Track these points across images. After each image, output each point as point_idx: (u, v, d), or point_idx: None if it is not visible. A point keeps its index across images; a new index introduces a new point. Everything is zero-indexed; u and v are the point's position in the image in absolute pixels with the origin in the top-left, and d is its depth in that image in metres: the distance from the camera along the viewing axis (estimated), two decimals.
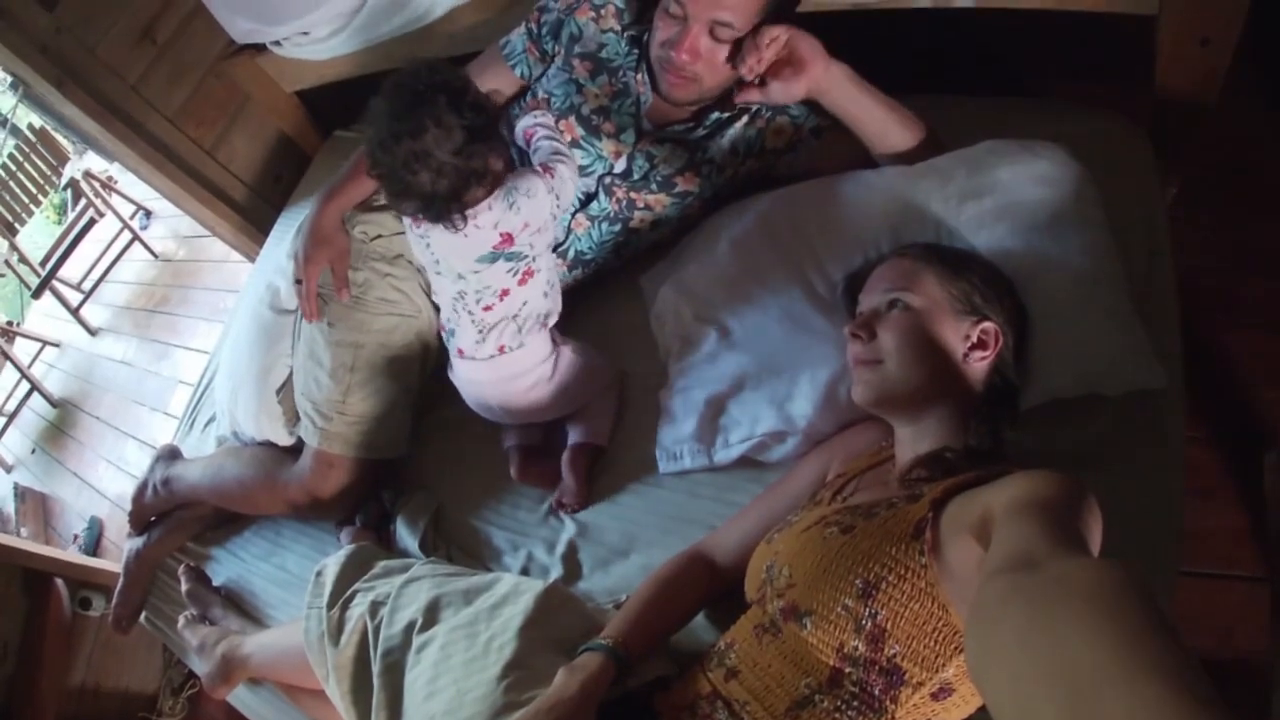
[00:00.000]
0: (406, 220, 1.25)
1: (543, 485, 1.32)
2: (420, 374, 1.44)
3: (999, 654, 0.47)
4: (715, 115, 1.33)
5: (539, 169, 1.19)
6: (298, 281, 1.38)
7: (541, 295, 1.26)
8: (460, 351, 1.29)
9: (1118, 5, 1.23)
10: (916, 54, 1.44)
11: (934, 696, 0.73)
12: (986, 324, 0.92)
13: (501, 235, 1.16)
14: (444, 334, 1.35)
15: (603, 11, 1.33)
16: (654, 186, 1.35)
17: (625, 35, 1.33)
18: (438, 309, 1.37)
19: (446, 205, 1.11)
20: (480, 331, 1.25)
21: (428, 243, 1.21)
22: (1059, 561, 0.52)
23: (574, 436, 1.31)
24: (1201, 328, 1.48)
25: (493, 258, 1.18)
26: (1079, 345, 0.99)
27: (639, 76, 1.32)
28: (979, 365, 0.92)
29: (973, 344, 0.92)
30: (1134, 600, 0.44)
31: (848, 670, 0.74)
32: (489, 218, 1.15)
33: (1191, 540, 1.29)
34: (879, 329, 0.95)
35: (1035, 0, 1.26)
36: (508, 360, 1.26)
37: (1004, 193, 1.10)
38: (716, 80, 1.25)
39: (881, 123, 1.21)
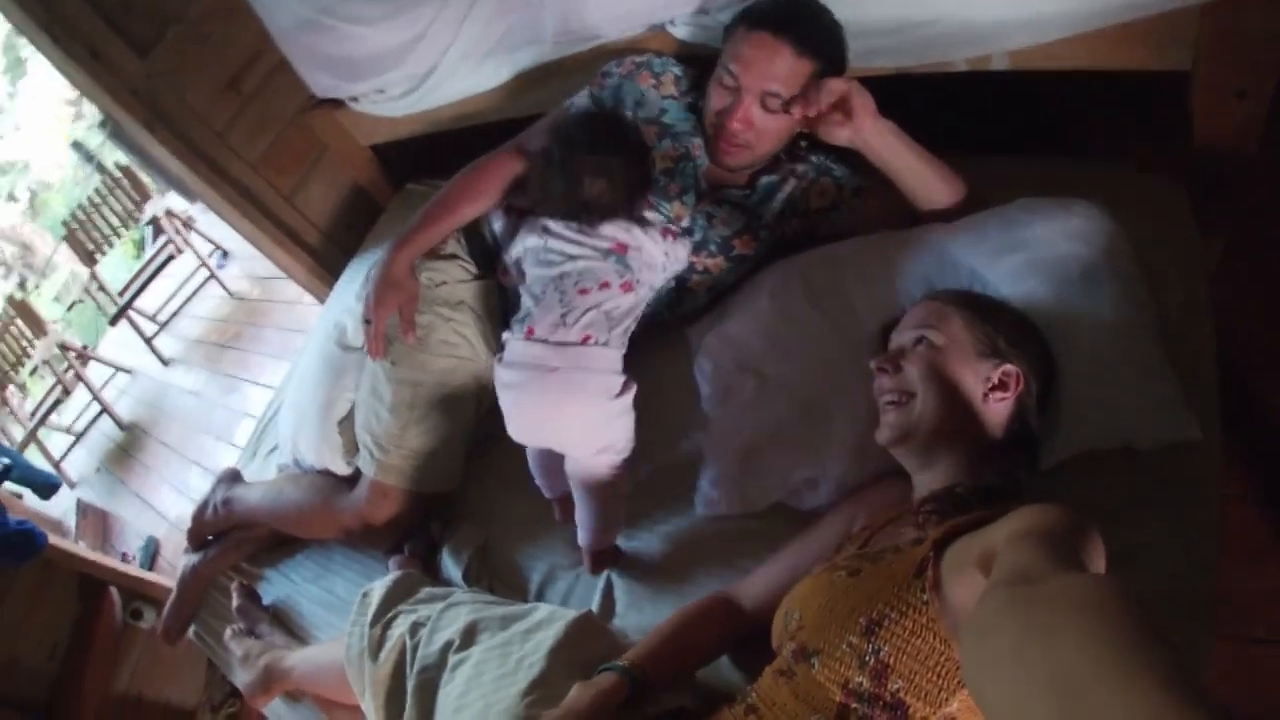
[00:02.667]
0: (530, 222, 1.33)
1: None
2: (475, 415, 1.50)
3: (995, 663, 0.48)
4: (766, 179, 1.40)
5: (664, 229, 1.32)
6: (366, 321, 1.45)
7: (629, 310, 1.27)
8: (530, 331, 1.22)
9: (1151, 62, 1.24)
10: (956, 115, 1.47)
11: None
12: (1008, 366, 0.94)
13: (615, 243, 1.26)
14: (511, 326, 1.29)
15: (662, 79, 1.43)
16: (712, 248, 1.40)
17: (685, 102, 1.42)
18: (501, 347, 1.30)
19: (589, 213, 1.25)
20: (565, 313, 1.21)
21: (547, 239, 1.28)
22: (1056, 576, 0.52)
23: (583, 539, 1.27)
24: (1247, 384, 1.44)
25: (605, 253, 1.26)
26: (1111, 397, 1.00)
27: (697, 141, 1.39)
28: (999, 407, 0.94)
29: (993, 385, 0.94)
30: (1129, 610, 0.45)
31: (854, 706, 0.76)
32: (608, 230, 1.26)
33: (1238, 604, 1.25)
34: (903, 363, 0.99)
35: (1069, 60, 1.28)
36: (588, 352, 1.20)
37: (1037, 248, 1.13)
38: (767, 147, 1.33)
39: (923, 178, 1.25)
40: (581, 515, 1.26)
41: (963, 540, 0.73)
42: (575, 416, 1.21)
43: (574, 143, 1.27)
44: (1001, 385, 0.94)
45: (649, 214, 1.35)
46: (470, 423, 1.50)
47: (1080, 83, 1.34)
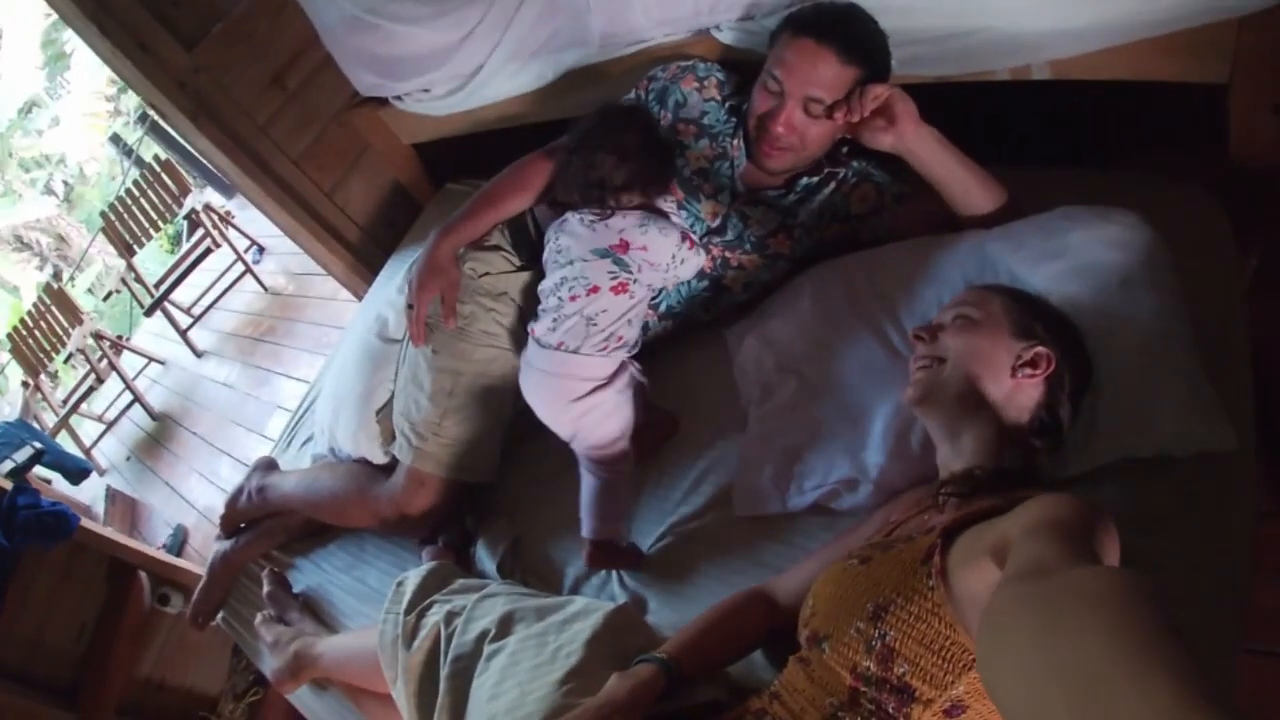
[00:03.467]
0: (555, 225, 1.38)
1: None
2: (513, 405, 1.51)
3: (1011, 656, 0.48)
4: (805, 181, 1.41)
5: (685, 233, 1.35)
6: (409, 306, 1.47)
7: (622, 313, 1.31)
8: (532, 331, 1.36)
9: (1190, 74, 1.24)
10: (995, 124, 1.46)
11: (946, 714, 0.74)
12: (1040, 348, 0.94)
13: (620, 240, 1.29)
14: (529, 324, 1.39)
15: (706, 83, 1.45)
16: (748, 247, 1.42)
17: (726, 105, 1.44)
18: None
19: (603, 193, 1.31)
20: (555, 320, 1.32)
21: (560, 236, 1.35)
22: (1070, 569, 0.53)
23: (587, 530, 1.31)
24: (1276, 400, 1.44)
25: (603, 253, 1.30)
26: (1149, 404, 1.00)
27: (735, 142, 1.41)
28: (1027, 384, 0.94)
29: (1023, 362, 0.94)
30: (1146, 604, 0.45)
31: (863, 689, 0.77)
32: (619, 222, 1.31)
33: (1268, 619, 1.23)
34: (940, 334, 1.01)
35: (1109, 71, 1.28)
36: (560, 358, 1.31)
37: (1077, 255, 1.13)
38: (810, 151, 1.34)
39: (964, 184, 1.26)
40: (581, 501, 1.32)
41: (974, 530, 0.74)
42: (544, 413, 1.36)
43: (588, 128, 1.35)
44: (1032, 363, 0.94)
45: (673, 216, 1.38)
46: (508, 413, 1.51)
47: (1115, 95, 1.34)
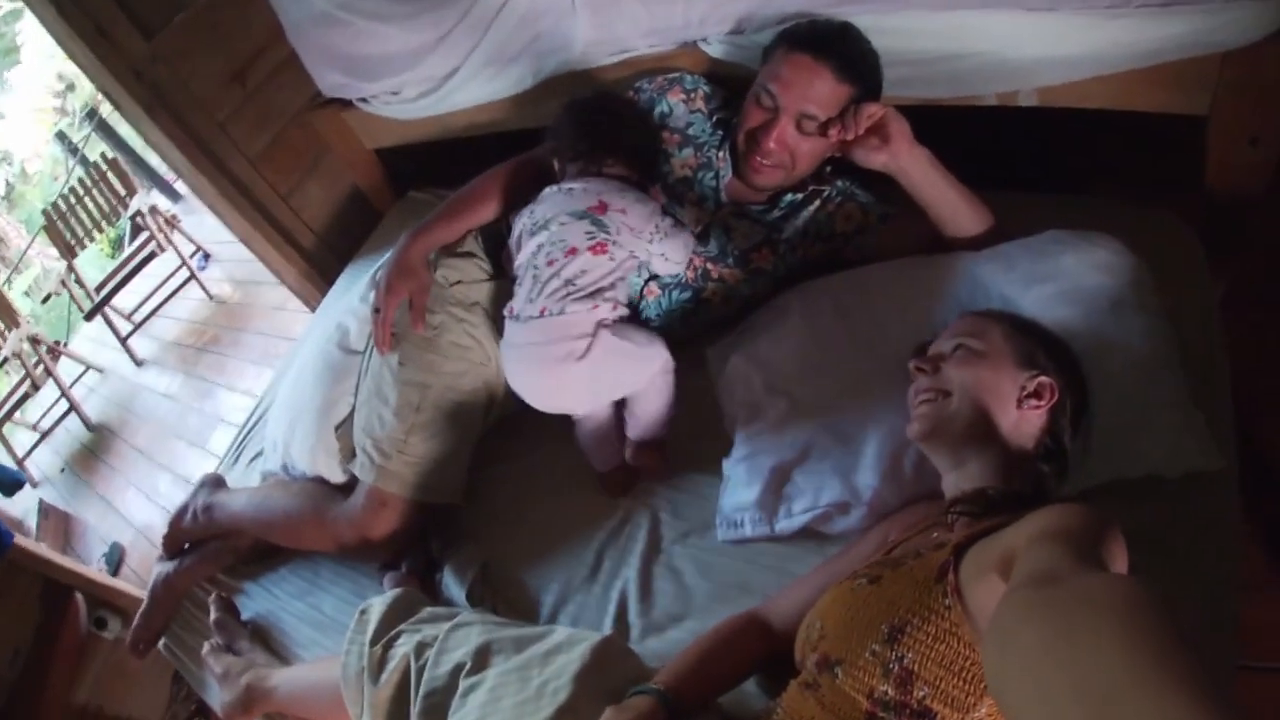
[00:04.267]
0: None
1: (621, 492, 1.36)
2: (482, 422, 1.45)
3: (1021, 665, 0.48)
4: (789, 198, 1.39)
5: (664, 209, 1.36)
6: (375, 310, 1.41)
7: (603, 274, 1.27)
8: (510, 310, 1.32)
9: (1173, 106, 1.27)
10: (980, 150, 1.48)
11: None
12: (1043, 377, 0.94)
13: (599, 201, 1.29)
14: (509, 305, 1.35)
15: (693, 95, 1.44)
16: (730, 260, 1.40)
17: (712, 118, 1.43)
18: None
19: (595, 152, 1.35)
20: (534, 286, 1.28)
21: (535, 209, 1.34)
22: (1080, 577, 0.52)
23: (632, 433, 1.33)
24: (1252, 425, 1.45)
25: (580, 215, 1.28)
26: (1141, 425, 1.02)
27: (721, 154, 1.40)
28: (1032, 415, 0.93)
29: (1028, 393, 0.93)
30: (1156, 613, 0.44)
31: (880, 714, 0.74)
32: (598, 184, 1.32)
33: (1251, 635, 1.28)
34: (942, 365, 1.00)
35: (1095, 100, 1.31)
36: (544, 324, 1.25)
37: (1067, 278, 1.14)
38: (799, 169, 1.33)
39: (953, 206, 1.26)
40: (629, 409, 1.32)
41: (982, 543, 0.73)
42: (553, 385, 1.29)
43: (585, 98, 1.40)
44: (1037, 394, 0.93)
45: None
46: (477, 431, 1.45)
47: (1096, 123, 1.38)
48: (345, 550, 1.43)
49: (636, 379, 1.29)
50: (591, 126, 1.36)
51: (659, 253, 1.32)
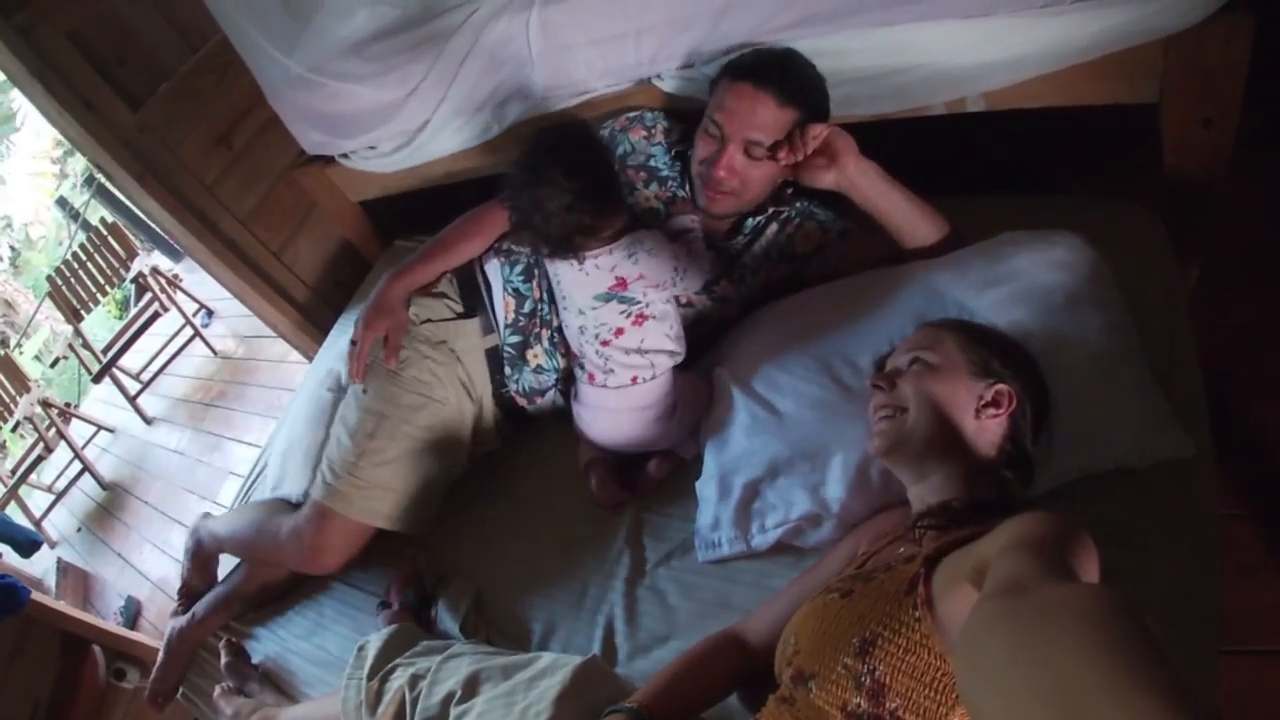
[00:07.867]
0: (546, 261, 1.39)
1: (614, 501, 1.40)
2: (441, 461, 1.49)
3: (990, 674, 0.48)
4: (751, 222, 1.43)
5: (673, 237, 1.37)
6: (353, 343, 1.47)
7: (663, 335, 1.34)
8: (591, 377, 1.37)
9: (1121, 96, 1.28)
10: (935, 158, 1.50)
11: None
12: (1000, 386, 0.95)
13: (616, 279, 1.31)
14: (574, 364, 1.44)
15: (653, 130, 1.49)
16: (697, 289, 1.43)
17: (672, 150, 1.47)
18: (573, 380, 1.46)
19: (558, 246, 1.30)
20: (603, 364, 1.35)
21: (558, 278, 1.37)
22: (1046, 587, 0.52)
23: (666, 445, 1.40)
24: (1233, 405, 1.47)
25: (607, 298, 1.31)
26: (1104, 419, 1.03)
27: (683, 193, 1.44)
28: (991, 423, 0.94)
29: (986, 402, 0.94)
30: (1125, 620, 0.45)
31: None
32: (607, 261, 1.31)
33: (1239, 618, 1.25)
34: (899, 381, 1.01)
35: (1043, 98, 1.32)
36: (640, 390, 1.34)
37: (1021, 278, 1.15)
38: (751, 194, 1.36)
39: (908, 215, 1.28)
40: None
41: (954, 555, 0.73)
42: (649, 431, 1.38)
43: (513, 181, 1.30)
44: (994, 403, 0.94)
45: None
46: (435, 467, 1.48)
47: (1051, 121, 1.38)
48: (288, 559, 1.50)
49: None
50: (565, 226, 1.28)
51: (684, 288, 1.38)
